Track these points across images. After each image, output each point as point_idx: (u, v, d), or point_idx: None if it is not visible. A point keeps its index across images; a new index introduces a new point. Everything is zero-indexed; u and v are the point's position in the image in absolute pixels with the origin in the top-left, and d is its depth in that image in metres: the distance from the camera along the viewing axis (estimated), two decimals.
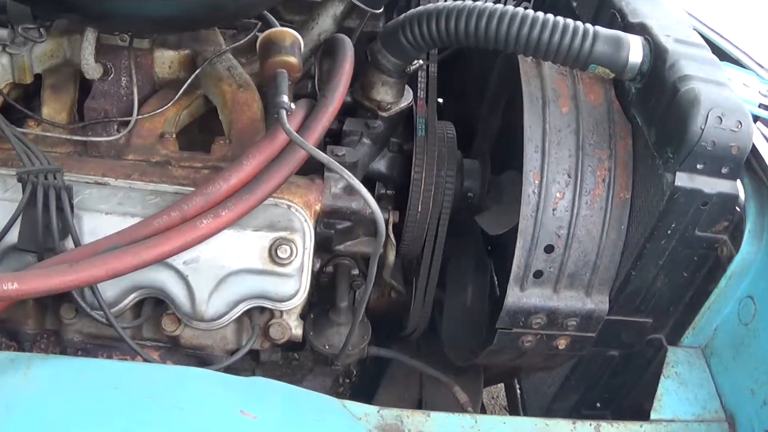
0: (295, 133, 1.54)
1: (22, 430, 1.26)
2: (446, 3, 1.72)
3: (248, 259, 1.60)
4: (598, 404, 2.01)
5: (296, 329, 1.73)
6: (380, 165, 1.90)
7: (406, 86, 1.91)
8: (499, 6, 1.67)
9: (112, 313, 1.61)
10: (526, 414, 2.18)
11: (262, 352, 1.81)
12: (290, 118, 1.59)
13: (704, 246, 1.70)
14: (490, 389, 3.07)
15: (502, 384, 2.62)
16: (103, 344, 1.73)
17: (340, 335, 1.86)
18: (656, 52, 1.67)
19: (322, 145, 1.75)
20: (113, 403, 1.35)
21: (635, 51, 1.67)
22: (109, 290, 1.60)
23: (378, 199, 1.93)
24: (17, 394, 1.35)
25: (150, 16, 1.58)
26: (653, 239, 1.67)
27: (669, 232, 1.66)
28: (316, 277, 1.92)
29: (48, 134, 1.70)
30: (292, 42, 1.66)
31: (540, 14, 1.66)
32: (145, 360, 1.65)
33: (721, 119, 1.57)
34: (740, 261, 1.68)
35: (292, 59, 1.64)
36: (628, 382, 1.94)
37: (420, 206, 1.86)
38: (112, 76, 1.72)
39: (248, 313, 1.69)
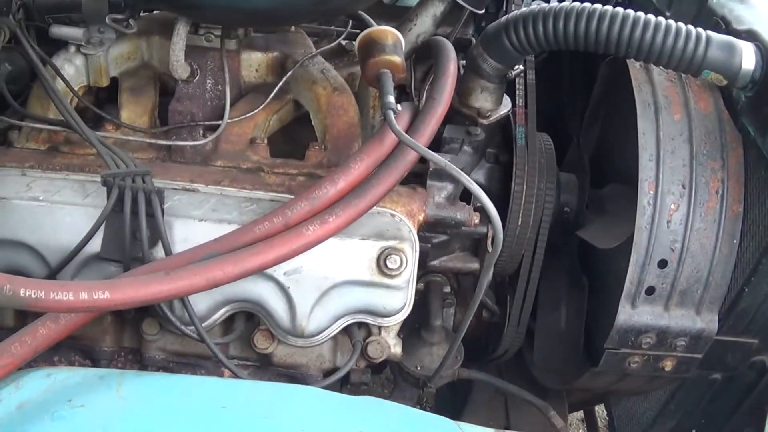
0: (406, 134, 1.37)
1: None
2: (554, 5, 1.56)
3: (355, 270, 1.42)
4: (695, 431, 1.80)
5: (395, 347, 1.55)
6: (479, 176, 1.72)
7: (504, 94, 1.73)
8: (610, 8, 1.50)
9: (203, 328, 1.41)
10: None
11: (354, 372, 1.61)
12: (397, 120, 1.41)
13: None
14: None
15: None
16: (187, 362, 1.54)
17: (432, 356, 1.68)
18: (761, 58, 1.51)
19: None
20: (225, 422, 1.16)
21: (748, 57, 1.51)
22: (200, 303, 1.42)
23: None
24: (112, 415, 1.16)
25: (249, 7, 1.42)
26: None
27: None
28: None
29: (129, 138, 1.50)
30: (395, 41, 1.50)
31: (652, 17, 1.49)
32: (237, 378, 1.43)
33: None
34: None
35: (397, 59, 1.48)
36: (728, 407, 1.74)
37: (520, 220, 1.69)
38: (197, 77, 1.54)
39: (346, 329, 1.50)
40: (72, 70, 1.54)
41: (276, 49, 1.61)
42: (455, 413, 1.91)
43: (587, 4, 1.53)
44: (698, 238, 1.57)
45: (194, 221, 1.40)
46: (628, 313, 1.57)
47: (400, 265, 1.41)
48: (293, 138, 1.67)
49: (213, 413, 1.17)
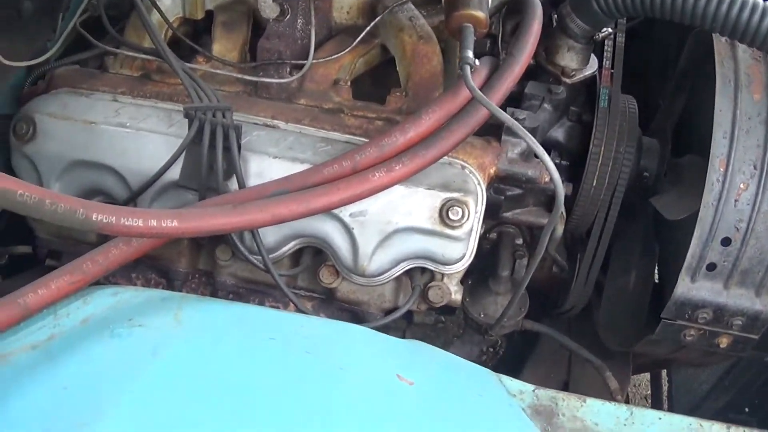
0: (478, 91, 1.34)
1: (168, 375, 1.10)
2: None
3: (417, 217, 1.41)
4: (747, 409, 1.76)
5: (456, 294, 1.54)
6: (558, 133, 1.69)
7: (592, 55, 1.68)
8: None
9: (270, 259, 1.44)
10: (672, 408, 1.94)
11: (416, 313, 1.63)
12: (474, 75, 1.40)
13: None
14: (633, 376, 2.79)
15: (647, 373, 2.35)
16: (256, 289, 1.57)
17: (497, 305, 1.66)
18: None
19: (503, 107, 1.52)
20: (269, 354, 1.19)
21: None
22: (269, 235, 1.44)
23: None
24: (166, 337, 1.19)
25: None
26: None
27: None
28: (479, 243, 1.71)
29: (218, 72, 1.52)
30: None
31: None
32: (299, 310, 1.45)
33: None
34: None
35: (480, 13, 1.43)
36: None
37: (595, 181, 1.64)
38: (288, 17, 1.53)
39: (409, 272, 1.51)
40: (168, 1, 1.56)
41: None
42: (521, 362, 1.91)
43: None
44: (764, 220, 1.50)
45: (269, 158, 1.41)
46: (687, 287, 1.53)
47: (462, 216, 1.40)
48: (380, 81, 1.65)
49: (259, 344, 1.19)
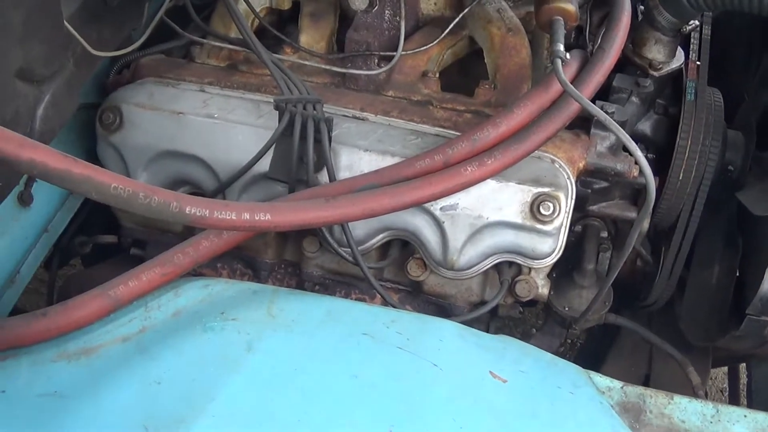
0: (570, 85, 1.29)
1: (264, 372, 1.07)
2: None
3: (508, 212, 1.35)
4: None
5: (542, 288, 1.49)
6: (645, 126, 1.61)
7: (678, 47, 1.59)
8: None
9: (361, 251, 1.40)
10: (750, 404, 1.84)
11: (502, 306, 1.57)
12: (564, 69, 1.33)
13: None
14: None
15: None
16: (343, 281, 1.52)
17: (581, 298, 1.59)
18: None
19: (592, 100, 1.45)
20: (364, 350, 1.15)
21: None
22: (358, 228, 1.39)
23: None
24: (260, 331, 1.15)
25: None
26: None
27: None
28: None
29: (305, 62, 1.48)
30: None
31: None
32: (387, 302, 1.40)
33: None
34: None
35: (570, 7, 1.38)
36: None
37: (681, 175, 1.56)
38: (376, 8, 1.48)
39: (497, 266, 1.45)
40: None
41: None
42: (601, 355, 1.84)
43: None
44: None
45: (359, 150, 1.36)
46: None
47: (553, 212, 1.34)
48: (468, 72, 1.60)
49: (353, 340, 1.15)
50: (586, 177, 1.48)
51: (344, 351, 1.13)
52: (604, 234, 1.65)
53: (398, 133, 1.39)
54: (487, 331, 1.60)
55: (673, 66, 1.58)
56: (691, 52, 1.60)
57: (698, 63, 1.59)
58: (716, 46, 1.79)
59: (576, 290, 1.58)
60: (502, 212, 1.34)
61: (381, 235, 1.41)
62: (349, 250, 1.37)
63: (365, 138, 1.37)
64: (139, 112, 1.40)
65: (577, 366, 1.28)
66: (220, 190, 1.38)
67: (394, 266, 1.50)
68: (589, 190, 1.54)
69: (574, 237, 1.64)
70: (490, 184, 1.33)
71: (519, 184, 1.34)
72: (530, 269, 1.45)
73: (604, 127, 1.45)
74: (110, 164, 1.43)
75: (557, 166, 1.38)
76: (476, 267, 1.40)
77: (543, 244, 1.36)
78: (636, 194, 1.59)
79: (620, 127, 1.26)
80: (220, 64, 1.51)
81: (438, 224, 1.35)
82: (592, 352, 1.91)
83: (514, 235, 1.36)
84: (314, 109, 1.32)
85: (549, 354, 1.30)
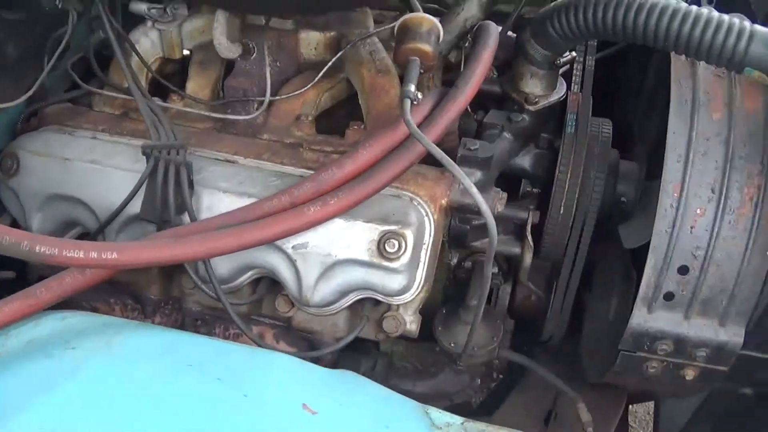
0: (414, 126, 1.31)
1: (81, 393, 1.12)
2: None
3: (356, 250, 1.38)
4: None
5: (411, 324, 1.48)
6: (524, 161, 1.62)
7: (561, 80, 1.61)
8: None
9: (230, 288, 1.47)
10: None
11: (383, 342, 1.59)
12: (416, 109, 1.37)
13: None
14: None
15: None
16: (220, 316, 1.56)
17: (467, 334, 1.57)
18: None
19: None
20: (181, 380, 1.18)
21: None
22: (222, 266, 1.44)
23: (522, 197, 1.66)
24: (91, 359, 1.20)
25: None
26: None
27: None
28: (454, 271, 1.68)
29: (188, 110, 1.53)
30: (429, 29, 1.42)
31: (693, 8, 1.31)
32: (250, 337, 1.44)
33: None
34: None
35: (426, 47, 1.40)
36: (762, 423, 1.53)
37: (562, 209, 1.56)
38: (254, 55, 1.52)
39: (362, 302, 1.47)
40: (148, 44, 1.57)
41: (334, 29, 1.56)
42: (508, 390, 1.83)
43: None
44: (725, 246, 1.38)
45: (220, 192, 1.41)
46: (644, 317, 1.42)
47: (398, 249, 1.35)
48: (353, 115, 1.61)
49: (176, 370, 1.19)
50: (463, 214, 1.49)
51: (161, 381, 1.17)
52: (495, 270, 1.65)
53: (262, 175, 1.43)
54: (374, 368, 1.63)
55: (552, 99, 1.58)
56: (573, 85, 1.59)
57: (579, 94, 1.58)
58: (614, 76, 1.77)
59: (461, 326, 1.58)
60: (350, 250, 1.37)
61: (248, 273, 1.45)
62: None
63: (228, 180, 1.42)
64: (33, 159, 1.48)
65: (415, 402, 1.28)
66: (99, 230, 1.44)
67: (270, 303, 1.53)
68: (468, 227, 1.55)
69: (464, 273, 1.65)
70: (338, 222, 1.35)
71: (366, 222, 1.36)
72: (398, 305, 1.45)
73: (468, 164, 1.46)
74: (11, 207, 1.53)
75: (415, 203, 1.40)
76: (336, 304, 1.43)
77: (392, 281, 1.38)
78: (520, 230, 1.59)
79: (454, 164, 1.26)
80: (115, 111, 1.57)
81: (291, 262, 1.38)
82: (503, 390, 1.89)
83: (365, 272, 1.38)
84: (177, 154, 1.38)
85: (387, 390, 1.30)
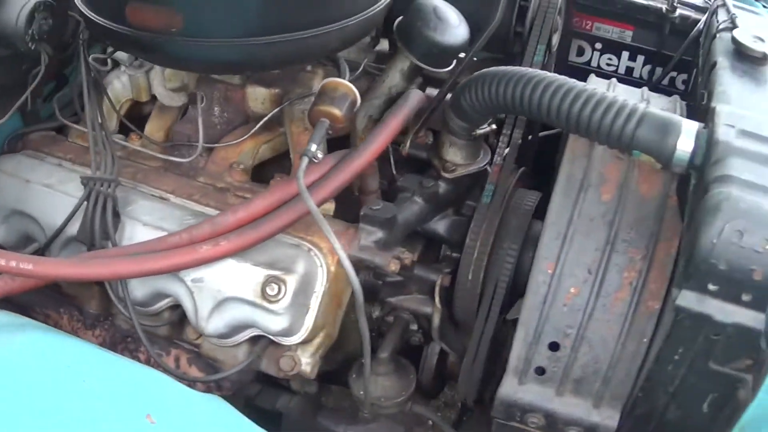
0: (302, 184, 1.39)
1: None
2: (505, 68, 1.43)
3: (243, 289, 1.48)
4: None
5: (306, 365, 1.54)
6: (438, 226, 1.67)
7: (486, 150, 1.66)
8: (548, 75, 1.34)
9: (149, 312, 1.59)
10: None
11: (293, 381, 1.66)
12: (316, 168, 1.49)
13: (723, 383, 1.23)
14: None
15: None
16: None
17: (376, 384, 1.65)
18: (708, 143, 1.24)
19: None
20: (46, 381, 1.24)
21: (686, 140, 1.25)
22: (138, 291, 1.56)
23: (440, 260, 1.67)
24: None
25: (215, 60, 1.47)
26: (659, 362, 1.28)
27: (677, 357, 1.25)
28: (378, 324, 1.73)
29: (141, 149, 1.66)
30: (343, 94, 1.50)
31: (588, 87, 1.33)
32: (153, 356, 1.55)
33: (741, 234, 1.14)
34: (755, 411, 1.19)
35: (336, 111, 1.48)
36: None
37: (471, 275, 1.57)
38: (203, 104, 1.63)
39: (255, 339, 1.53)
40: (119, 86, 1.72)
41: (279, 86, 1.65)
42: None
43: (531, 71, 1.40)
44: (599, 328, 1.37)
45: (140, 224, 1.55)
46: (514, 388, 1.42)
47: (278, 293, 1.44)
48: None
49: (50, 372, 1.25)
50: (367, 269, 1.55)
51: (27, 381, 1.21)
52: (415, 327, 1.68)
53: (181, 213, 1.55)
54: (289, 403, 1.69)
55: (471, 169, 1.60)
56: (497, 156, 1.60)
57: (501, 165, 1.60)
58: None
59: (372, 377, 1.63)
60: (238, 289, 1.46)
61: (163, 300, 1.56)
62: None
63: (151, 215, 1.55)
64: (2, 177, 1.65)
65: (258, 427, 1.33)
66: (45, 247, 1.60)
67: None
68: (380, 282, 1.60)
69: (386, 327, 1.69)
70: (231, 262, 1.46)
71: (254, 265, 1.46)
72: (297, 347, 1.52)
73: (371, 222, 1.51)
74: None
75: (312, 254, 1.48)
76: (234, 337, 1.52)
77: (272, 322, 1.46)
78: (432, 290, 1.61)
79: (324, 221, 1.34)
80: (84, 144, 1.71)
81: (190, 293, 1.49)
82: None
83: (251, 311, 1.47)
84: (108, 187, 1.52)
85: (243, 420, 1.34)
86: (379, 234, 1.52)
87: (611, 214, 1.38)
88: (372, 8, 1.49)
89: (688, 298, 1.17)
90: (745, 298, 1.15)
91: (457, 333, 1.69)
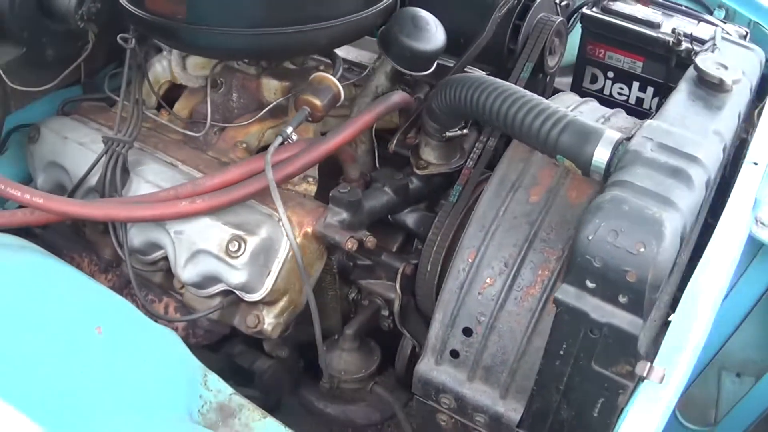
0: (269, 158, 1.57)
1: None
2: (468, 75, 1.56)
3: (211, 244, 1.65)
4: None
5: (268, 325, 1.69)
6: (408, 218, 1.80)
7: (462, 153, 1.77)
8: (500, 84, 1.45)
9: (148, 260, 1.78)
10: None
11: (266, 342, 1.81)
12: (287, 148, 1.64)
13: (608, 388, 1.27)
14: None
15: None
16: (144, 284, 1.82)
17: (341, 359, 1.79)
18: (622, 153, 1.30)
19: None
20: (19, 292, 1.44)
21: (603, 149, 1.32)
22: (136, 239, 1.74)
23: (412, 252, 1.79)
24: None
25: (226, 47, 1.66)
26: (547, 357, 1.35)
27: (561, 353, 1.31)
28: (355, 306, 1.86)
29: (167, 123, 1.87)
30: (327, 87, 1.69)
31: (528, 95, 1.42)
32: (139, 297, 1.72)
33: (617, 234, 1.18)
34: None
35: (317, 101, 1.66)
36: None
37: (429, 267, 1.67)
38: (222, 89, 1.81)
39: (229, 293, 1.69)
40: (159, 68, 1.92)
41: (290, 80, 1.83)
42: None
43: (481, 77, 1.54)
44: (508, 320, 1.43)
45: (143, 182, 1.75)
46: (430, 367, 1.51)
47: (238, 249, 1.60)
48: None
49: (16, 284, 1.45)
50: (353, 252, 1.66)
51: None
52: (386, 312, 1.78)
53: (182, 178, 1.73)
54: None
55: (442, 169, 1.70)
56: (469, 160, 1.69)
57: (471, 169, 1.69)
58: None
59: (337, 351, 1.77)
60: (207, 243, 1.63)
61: (159, 251, 1.73)
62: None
63: (155, 176, 1.74)
64: (48, 133, 1.90)
65: (202, 365, 1.46)
66: (71, 193, 1.82)
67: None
68: (352, 264, 1.72)
69: (353, 306, 1.81)
70: (206, 220, 1.64)
71: (223, 224, 1.63)
72: (263, 306, 1.67)
73: (338, 204, 1.64)
74: (30, 165, 1.93)
75: (280, 223, 1.61)
76: (208, 289, 1.68)
77: (232, 276, 1.62)
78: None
79: (276, 188, 1.51)
80: (123, 115, 1.94)
81: (173, 243, 1.67)
82: None
83: (216, 263, 1.63)
84: (122, 147, 1.72)
85: (190, 356, 1.48)
86: (343, 215, 1.64)
87: (535, 215, 1.45)
88: (359, 13, 1.64)
89: (567, 292, 1.23)
90: (622, 299, 1.20)
91: (422, 322, 1.78)
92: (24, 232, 1.79)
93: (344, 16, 1.63)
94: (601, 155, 1.34)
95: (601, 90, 2.21)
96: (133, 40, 1.75)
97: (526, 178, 1.50)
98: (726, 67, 1.56)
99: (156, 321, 1.61)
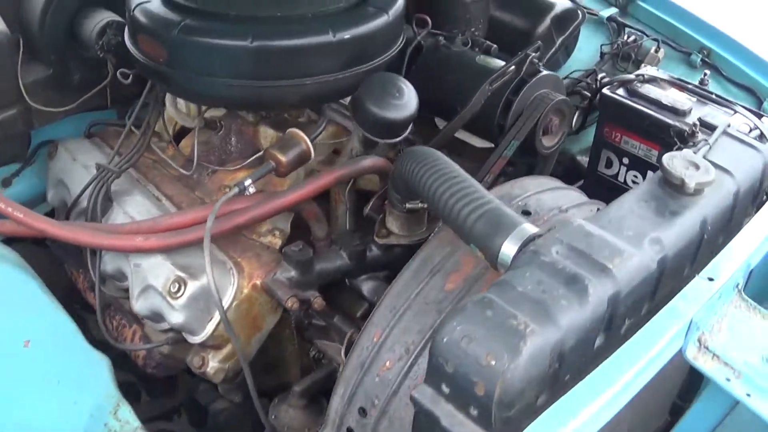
0: (216, 208, 1.59)
1: None
2: (421, 148, 1.55)
3: (158, 281, 1.70)
4: None
5: (212, 369, 1.73)
6: (363, 285, 1.77)
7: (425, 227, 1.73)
8: (437, 159, 1.43)
9: (121, 287, 1.84)
10: None
11: (219, 386, 1.83)
12: (243, 199, 1.66)
13: None
14: None
15: None
16: (119, 308, 1.89)
17: (287, 414, 1.77)
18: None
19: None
20: None
21: (511, 244, 1.26)
22: (109, 265, 1.81)
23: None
24: None
25: (204, 93, 1.73)
26: None
27: None
28: (315, 362, 1.85)
29: (166, 158, 1.94)
30: (296, 144, 1.70)
31: (458, 174, 1.39)
32: (99, 320, 1.81)
33: (469, 340, 1.10)
34: None
35: (281, 157, 1.69)
36: None
37: None
38: (221, 131, 1.86)
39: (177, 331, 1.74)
40: (173, 110, 1.95)
41: (283, 130, 1.81)
42: None
43: (432, 155, 1.52)
44: (399, 408, 1.39)
45: (122, 212, 1.83)
46: None
47: (178, 290, 1.65)
48: None
49: None
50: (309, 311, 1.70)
51: None
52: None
53: (158, 212, 1.79)
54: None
55: (401, 240, 1.67)
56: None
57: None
58: None
59: (284, 406, 1.77)
60: (156, 280, 1.69)
61: (126, 279, 1.79)
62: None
63: (135, 208, 1.83)
64: (63, 152, 2.04)
65: (120, 396, 1.50)
66: (67, 213, 1.94)
67: None
68: (307, 322, 1.74)
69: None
70: (158, 257, 1.69)
71: (171, 264, 1.68)
72: (209, 350, 1.70)
73: (290, 261, 1.64)
74: (46, 180, 2.05)
75: (231, 272, 1.65)
76: (159, 323, 1.72)
77: (171, 316, 1.67)
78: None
79: (207, 247, 1.53)
80: (126, 144, 1.97)
81: (131, 274, 1.74)
82: None
83: (160, 301, 1.69)
84: (109, 177, 1.81)
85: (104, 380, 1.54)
86: (292, 273, 1.65)
87: (446, 303, 1.39)
88: (333, 74, 1.64)
89: (424, 393, 1.15)
90: (473, 411, 1.11)
91: None
92: (35, 241, 1.93)
93: (317, 75, 1.65)
94: (508, 250, 1.27)
95: (616, 176, 2.05)
96: (131, 76, 1.84)
97: (448, 263, 1.44)
98: (697, 167, 1.39)
99: (114, 345, 1.70)
